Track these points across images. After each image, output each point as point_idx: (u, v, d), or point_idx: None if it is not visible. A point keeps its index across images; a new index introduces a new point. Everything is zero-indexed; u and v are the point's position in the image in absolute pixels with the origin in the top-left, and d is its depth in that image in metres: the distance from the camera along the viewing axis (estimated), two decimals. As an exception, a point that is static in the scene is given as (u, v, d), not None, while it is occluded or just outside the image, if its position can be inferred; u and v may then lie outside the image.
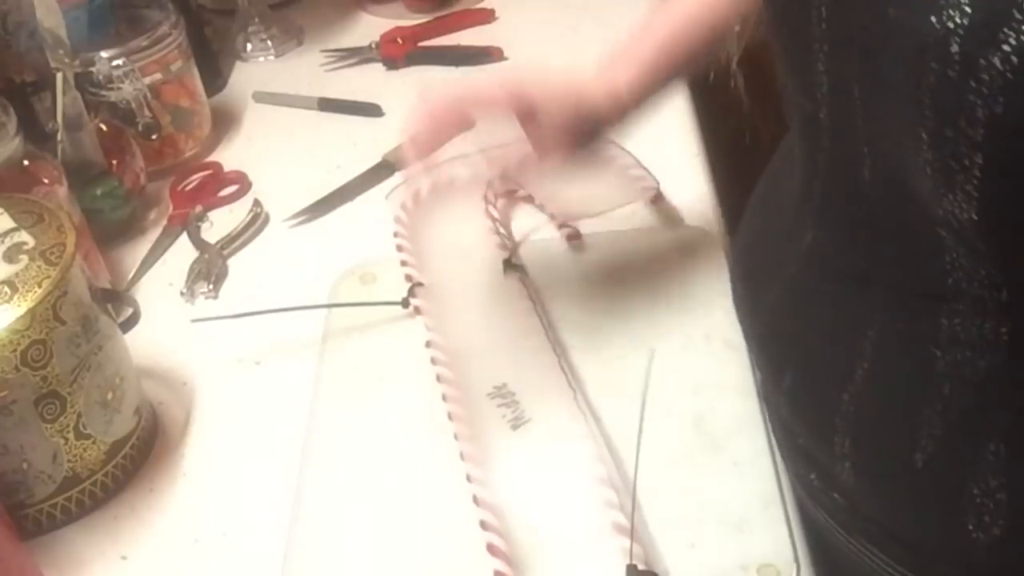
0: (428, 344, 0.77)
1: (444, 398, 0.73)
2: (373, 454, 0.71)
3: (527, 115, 0.68)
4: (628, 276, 0.82)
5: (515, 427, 0.71)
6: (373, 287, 0.84)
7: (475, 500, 0.66)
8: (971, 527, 0.53)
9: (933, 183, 0.44)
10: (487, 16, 1.22)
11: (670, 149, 0.94)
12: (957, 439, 0.53)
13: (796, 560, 0.61)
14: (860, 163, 0.50)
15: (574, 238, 0.86)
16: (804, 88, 0.52)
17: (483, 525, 0.64)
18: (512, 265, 0.83)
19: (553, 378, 0.73)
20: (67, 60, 0.88)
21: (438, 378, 0.74)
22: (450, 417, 0.71)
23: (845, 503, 0.62)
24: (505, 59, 1.13)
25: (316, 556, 0.66)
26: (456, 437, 0.70)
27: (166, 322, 0.86)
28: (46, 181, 0.83)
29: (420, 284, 0.82)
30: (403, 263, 0.85)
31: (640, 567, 0.60)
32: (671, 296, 0.79)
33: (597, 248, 0.85)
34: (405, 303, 0.81)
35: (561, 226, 0.88)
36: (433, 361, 0.76)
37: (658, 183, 0.88)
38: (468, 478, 0.67)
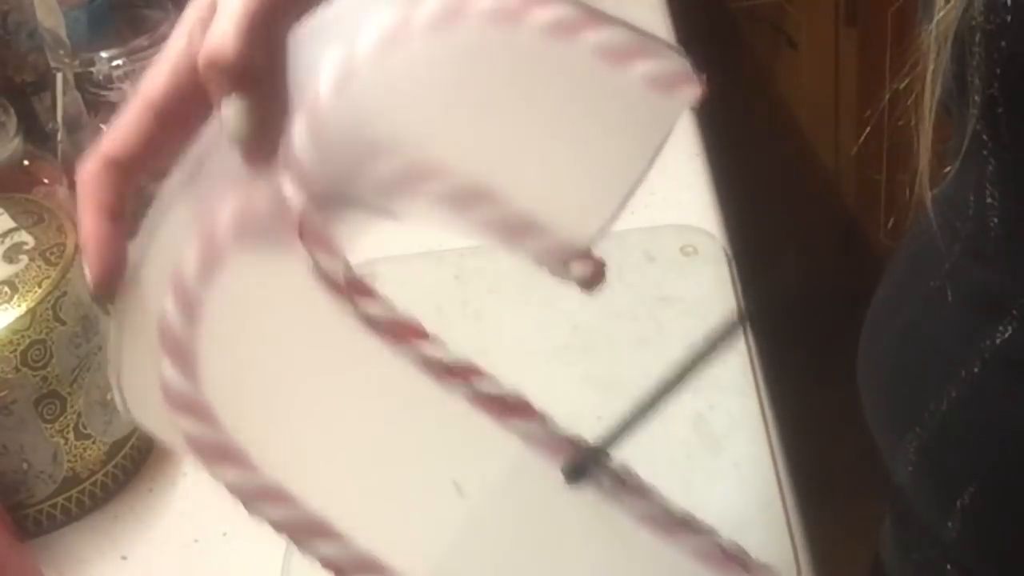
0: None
1: None
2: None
3: None
4: (627, 276, 0.82)
5: None
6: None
7: None
8: None
9: None
10: (487, 16, 1.22)
11: (670, 149, 0.93)
12: None
13: (796, 561, 0.61)
14: None
15: None
16: None
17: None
18: None
19: None
20: (67, 60, 0.88)
21: None
22: None
23: None
24: (505, 59, 1.13)
25: (316, 556, 0.66)
26: None
27: (166, 322, 0.86)
28: (46, 181, 0.82)
29: None
30: None
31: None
32: (671, 296, 0.79)
33: (594, 248, 0.85)
34: None
35: None
36: None
37: None
38: None
